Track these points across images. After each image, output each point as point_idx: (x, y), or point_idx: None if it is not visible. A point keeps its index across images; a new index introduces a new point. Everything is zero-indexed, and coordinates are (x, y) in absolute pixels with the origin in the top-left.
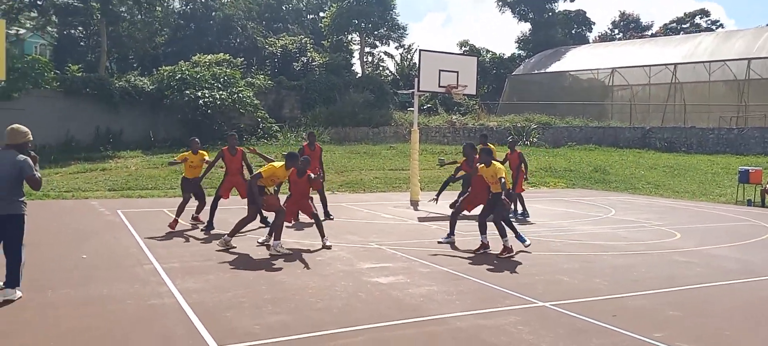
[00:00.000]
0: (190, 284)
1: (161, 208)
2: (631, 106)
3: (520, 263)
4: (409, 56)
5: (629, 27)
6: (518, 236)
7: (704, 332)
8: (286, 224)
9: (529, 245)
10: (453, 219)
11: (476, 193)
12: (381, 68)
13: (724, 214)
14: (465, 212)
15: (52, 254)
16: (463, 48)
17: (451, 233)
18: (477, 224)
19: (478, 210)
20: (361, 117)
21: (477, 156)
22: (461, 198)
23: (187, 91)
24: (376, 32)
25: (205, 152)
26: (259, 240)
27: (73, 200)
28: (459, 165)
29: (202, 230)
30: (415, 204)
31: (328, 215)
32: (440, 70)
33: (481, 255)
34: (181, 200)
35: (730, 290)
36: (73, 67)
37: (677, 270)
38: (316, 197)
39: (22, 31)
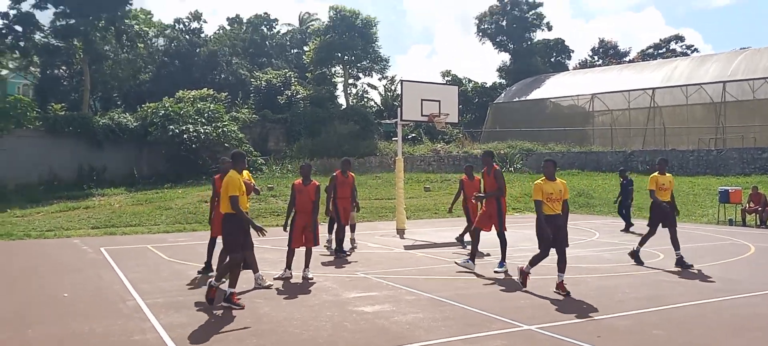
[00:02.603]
0: (174, 318)
1: (145, 244)
2: (611, 131)
3: (506, 288)
4: (393, 87)
5: (608, 53)
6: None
7: None
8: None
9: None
10: (474, 243)
11: (491, 212)
12: (365, 99)
13: (706, 234)
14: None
15: (32, 292)
16: (446, 78)
17: (473, 258)
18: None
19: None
20: (346, 148)
21: (495, 165)
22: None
23: (171, 127)
24: (359, 64)
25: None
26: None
27: (55, 239)
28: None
29: (198, 272)
30: (401, 232)
31: (342, 249)
32: (423, 100)
33: (467, 281)
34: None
35: (714, 308)
36: (55, 107)
37: (661, 290)
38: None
39: (4, 72)
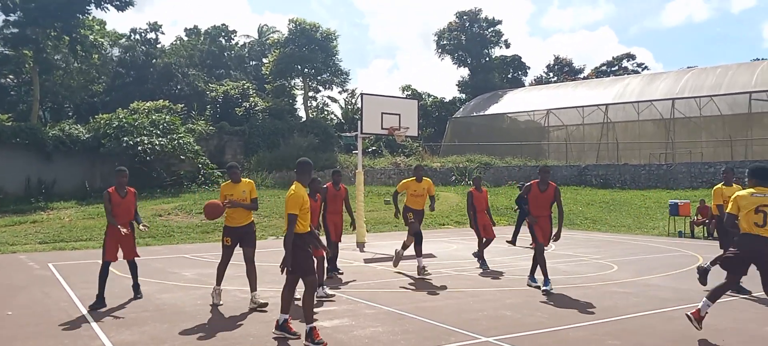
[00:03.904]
0: (125, 336)
1: (96, 259)
2: (566, 146)
3: (464, 300)
4: (353, 100)
5: (563, 70)
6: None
7: None
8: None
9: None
10: (542, 262)
11: (545, 226)
12: (325, 112)
13: (657, 246)
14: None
15: None
16: (406, 92)
17: (548, 280)
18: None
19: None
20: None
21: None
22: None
23: (125, 139)
24: (319, 77)
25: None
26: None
27: None
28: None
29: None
30: (361, 246)
31: (336, 269)
32: (383, 113)
33: (427, 294)
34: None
35: (666, 318)
36: (2, 117)
37: (615, 301)
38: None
39: None
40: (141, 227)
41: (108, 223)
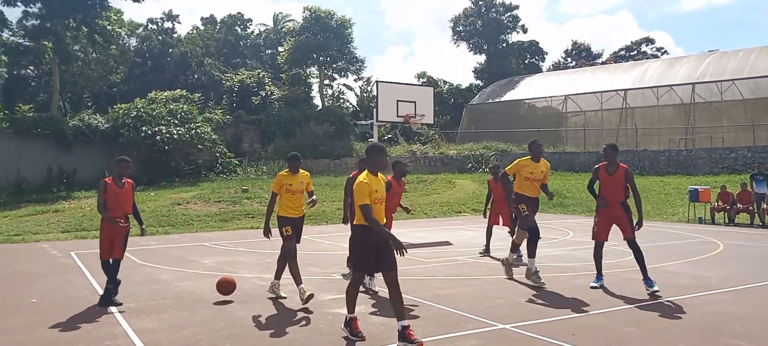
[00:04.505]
0: (145, 323)
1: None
2: (585, 132)
3: (481, 288)
4: (368, 88)
5: (581, 55)
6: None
7: None
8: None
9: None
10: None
11: (618, 216)
12: (341, 100)
13: (677, 232)
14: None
15: None
16: (421, 79)
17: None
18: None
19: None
20: (321, 149)
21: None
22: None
23: (144, 128)
24: (334, 65)
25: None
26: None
27: (22, 244)
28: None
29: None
30: None
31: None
32: (398, 101)
33: (443, 282)
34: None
35: (685, 305)
36: (23, 108)
37: (633, 288)
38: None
39: None
40: (142, 229)
41: (102, 217)
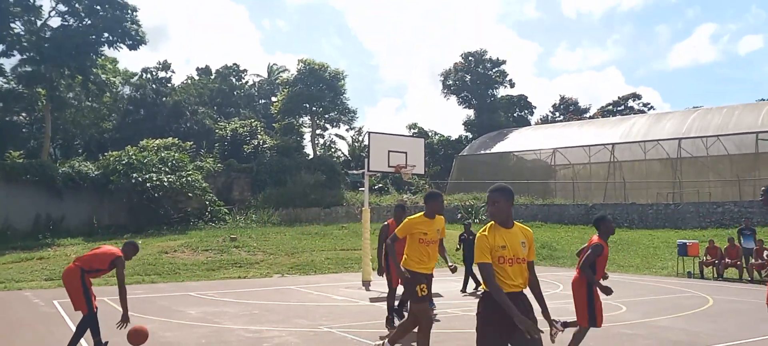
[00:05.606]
0: None
1: (101, 296)
2: (573, 185)
3: (470, 343)
4: (360, 138)
5: (569, 109)
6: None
7: None
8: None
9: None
10: None
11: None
12: (333, 149)
13: (666, 286)
14: None
15: None
16: (412, 130)
17: None
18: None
19: None
20: (312, 198)
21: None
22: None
23: (134, 175)
24: (326, 116)
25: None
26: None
27: (4, 292)
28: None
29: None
30: (367, 284)
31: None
32: (389, 151)
33: (433, 334)
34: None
35: None
36: (13, 154)
37: (623, 343)
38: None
39: None
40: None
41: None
